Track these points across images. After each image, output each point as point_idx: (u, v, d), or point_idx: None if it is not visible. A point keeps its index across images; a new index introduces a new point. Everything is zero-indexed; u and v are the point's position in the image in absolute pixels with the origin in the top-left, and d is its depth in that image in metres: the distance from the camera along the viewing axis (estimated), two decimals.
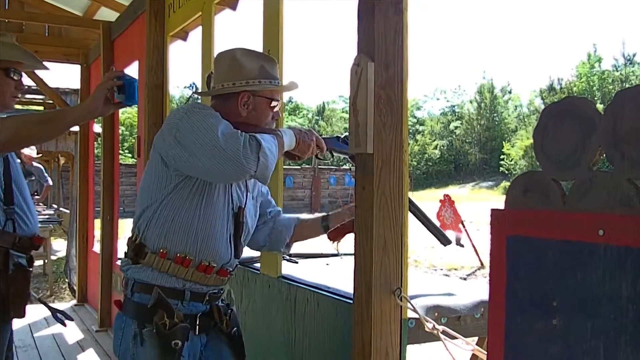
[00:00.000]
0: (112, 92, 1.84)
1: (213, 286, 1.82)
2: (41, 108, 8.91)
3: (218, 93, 1.80)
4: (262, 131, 1.72)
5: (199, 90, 3.30)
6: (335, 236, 1.99)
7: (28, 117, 1.98)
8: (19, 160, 2.31)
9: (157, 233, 1.73)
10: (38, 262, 7.44)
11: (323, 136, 1.91)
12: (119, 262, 3.18)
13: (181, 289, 1.75)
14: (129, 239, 1.80)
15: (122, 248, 5.05)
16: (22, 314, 2.14)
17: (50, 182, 9.35)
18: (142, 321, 1.71)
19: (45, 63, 2.46)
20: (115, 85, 1.83)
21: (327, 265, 2.88)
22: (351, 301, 1.79)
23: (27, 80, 7.81)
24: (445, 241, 2.06)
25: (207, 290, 1.80)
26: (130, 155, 23.28)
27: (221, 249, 1.79)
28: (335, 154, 1.95)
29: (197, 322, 1.77)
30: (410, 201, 1.85)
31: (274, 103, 1.82)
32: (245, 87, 1.76)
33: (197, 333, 1.77)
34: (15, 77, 2.13)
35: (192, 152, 1.60)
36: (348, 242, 1.95)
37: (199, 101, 2.57)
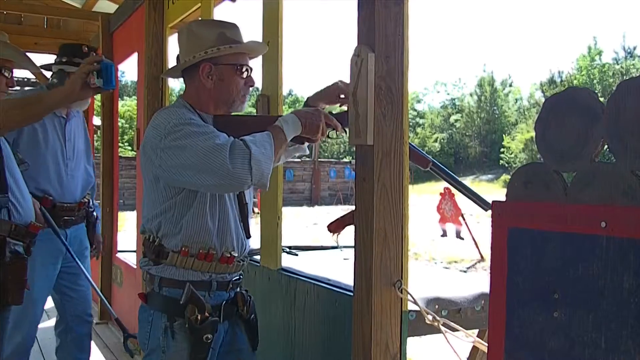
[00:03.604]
0: (91, 76, 1.83)
1: (235, 273, 1.83)
2: None
3: (180, 69, 1.79)
4: (258, 126, 1.69)
5: None
6: (335, 228, 1.99)
7: (5, 102, 1.99)
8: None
9: (175, 233, 1.73)
10: None
11: (334, 113, 1.85)
12: (119, 255, 3.21)
13: (208, 281, 1.76)
14: (145, 239, 1.79)
15: (122, 241, 5.05)
16: (19, 301, 2.14)
17: None
18: (173, 315, 1.72)
19: (44, 55, 2.50)
20: (93, 69, 1.82)
21: (345, 260, 2.81)
22: (351, 293, 1.78)
23: (25, 73, 7.81)
24: (485, 205, 2.07)
25: (230, 278, 1.82)
26: (129, 147, 23.26)
27: (237, 235, 1.80)
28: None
29: (222, 311, 1.78)
30: (443, 169, 1.91)
31: (243, 68, 1.77)
32: (203, 57, 1.72)
33: (221, 321, 1.78)
34: (6, 74, 2.22)
35: (182, 173, 1.60)
36: (348, 235, 1.94)
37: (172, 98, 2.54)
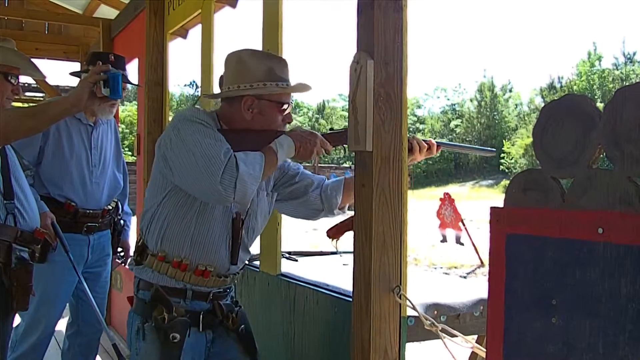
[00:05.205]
0: (98, 86, 1.85)
1: (216, 287, 1.83)
2: None
3: (222, 97, 1.79)
4: (258, 140, 1.70)
5: (199, 88, 3.31)
6: (335, 234, 1.99)
7: (13, 111, 2.01)
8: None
9: (156, 236, 1.76)
10: None
11: (334, 130, 1.86)
12: (118, 261, 3.23)
13: (183, 289, 1.77)
14: (137, 239, 1.83)
15: None
16: (25, 307, 2.16)
17: None
18: (145, 316, 1.74)
19: (45, 61, 2.52)
20: (100, 79, 1.83)
21: (344, 266, 2.81)
22: (350, 299, 1.78)
23: (27, 78, 7.83)
24: (489, 152, 2.28)
25: (209, 290, 1.81)
26: (130, 153, 23.27)
27: (218, 255, 1.79)
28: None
29: (200, 319, 1.78)
30: (441, 143, 2.00)
31: (284, 106, 1.78)
32: (248, 90, 1.72)
33: (200, 330, 1.78)
34: (13, 81, 2.22)
35: (176, 172, 1.64)
36: (347, 240, 1.94)
37: (199, 106, 2.55)
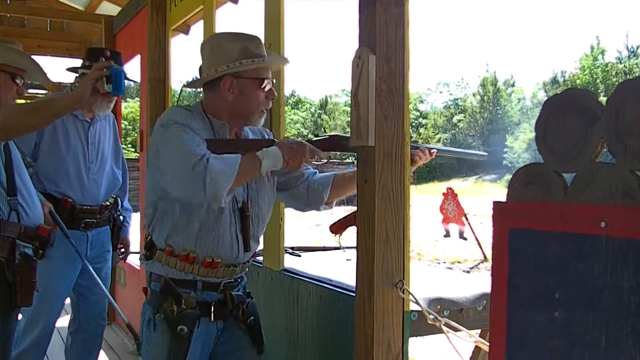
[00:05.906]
0: (101, 82, 1.85)
1: (226, 277, 1.84)
2: None
3: (203, 82, 1.80)
4: (248, 150, 1.72)
5: None
6: (338, 229, 1.99)
7: (15, 107, 2.02)
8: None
9: (162, 231, 1.78)
10: None
11: (320, 137, 1.87)
12: (120, 257, 3.25)
13: (192, 280, 1.79)
14: (145, 235, 1.86)
15: None
16: (29, 303, 2.17)
17: None
18: (156, 307, 1.78)
19: (47, 58, 2.53)
20: (103, 75, 1.84)
21: (347, 261, 2.82)
22: (353, 294, 1.79)
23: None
24: (480, 157, 2.27)
25: (219, 280, 1.83)
26: (133, 149, 23.29)
27: (225, 246, 1.80)
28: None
29: (212, 310, 1.80)
30: (432, 148, 1.98)
31: (265, 82, 1.79)
32: (225, 70, 1.74)
33: (212, 320, 1.81)
34: (18, 82, 2.24)
35: (163, 172, 1.70)
36: (351, 235, 1.95)
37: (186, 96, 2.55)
